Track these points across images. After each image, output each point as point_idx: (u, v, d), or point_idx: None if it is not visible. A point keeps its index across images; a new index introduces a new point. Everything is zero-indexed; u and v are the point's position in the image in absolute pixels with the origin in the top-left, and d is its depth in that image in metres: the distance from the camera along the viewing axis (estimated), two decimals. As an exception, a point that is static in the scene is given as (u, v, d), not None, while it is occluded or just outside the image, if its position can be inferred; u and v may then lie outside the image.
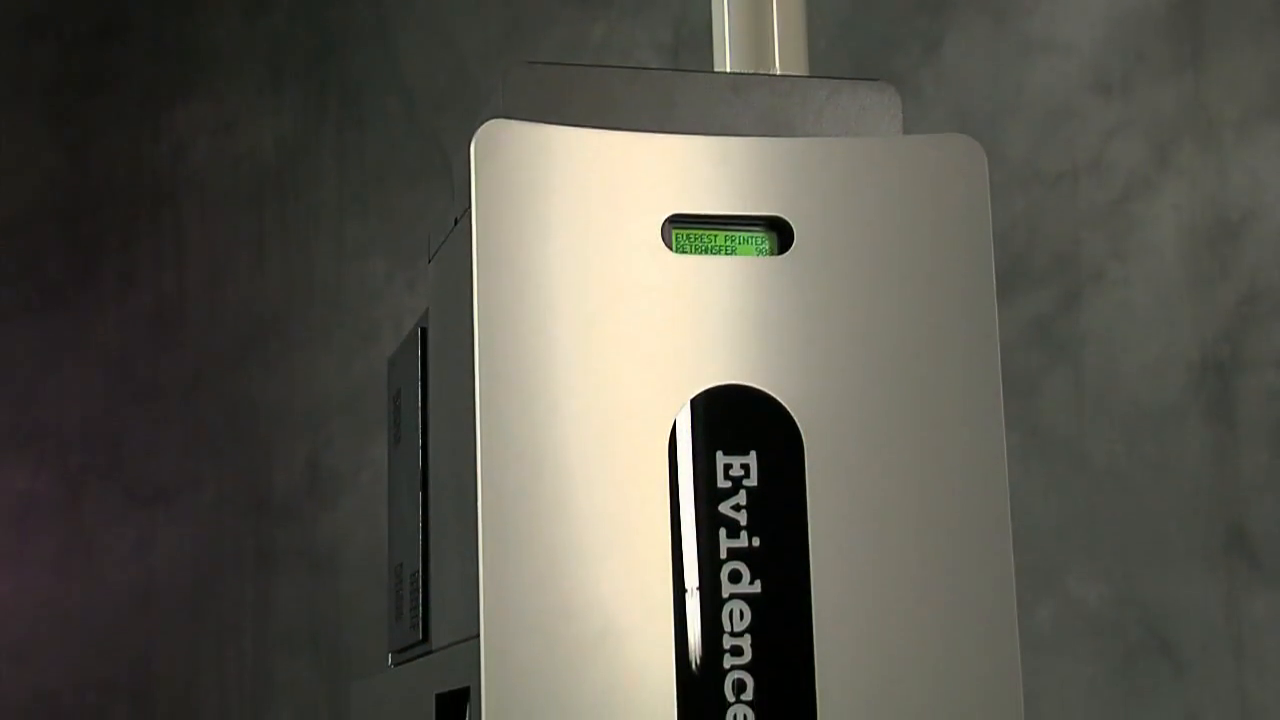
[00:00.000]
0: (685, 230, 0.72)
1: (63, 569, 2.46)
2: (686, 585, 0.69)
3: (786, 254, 0.72)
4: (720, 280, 0.72)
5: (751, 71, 0.98)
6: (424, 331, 0.83)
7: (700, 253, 0.72)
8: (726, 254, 0.72)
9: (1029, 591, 1.59)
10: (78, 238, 2.55)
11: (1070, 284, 1.64)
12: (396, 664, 0.87)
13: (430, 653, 0.79)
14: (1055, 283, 1.65)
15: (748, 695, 0.68)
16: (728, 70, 0.99)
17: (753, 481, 0.70)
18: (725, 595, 0.69)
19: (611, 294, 0.71)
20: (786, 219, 0.73)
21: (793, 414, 0.71)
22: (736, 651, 0.69)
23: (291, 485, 2.37)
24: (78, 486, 2.49)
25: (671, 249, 0.72)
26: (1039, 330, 1.65)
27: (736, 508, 0.70)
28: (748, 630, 0.69)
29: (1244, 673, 1.50)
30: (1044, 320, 1.65)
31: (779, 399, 0.71)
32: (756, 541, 0.70)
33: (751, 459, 0.70)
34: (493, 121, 0.71)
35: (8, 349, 2.52)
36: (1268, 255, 1.54)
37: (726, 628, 0.69)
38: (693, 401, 0.70)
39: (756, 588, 0.69)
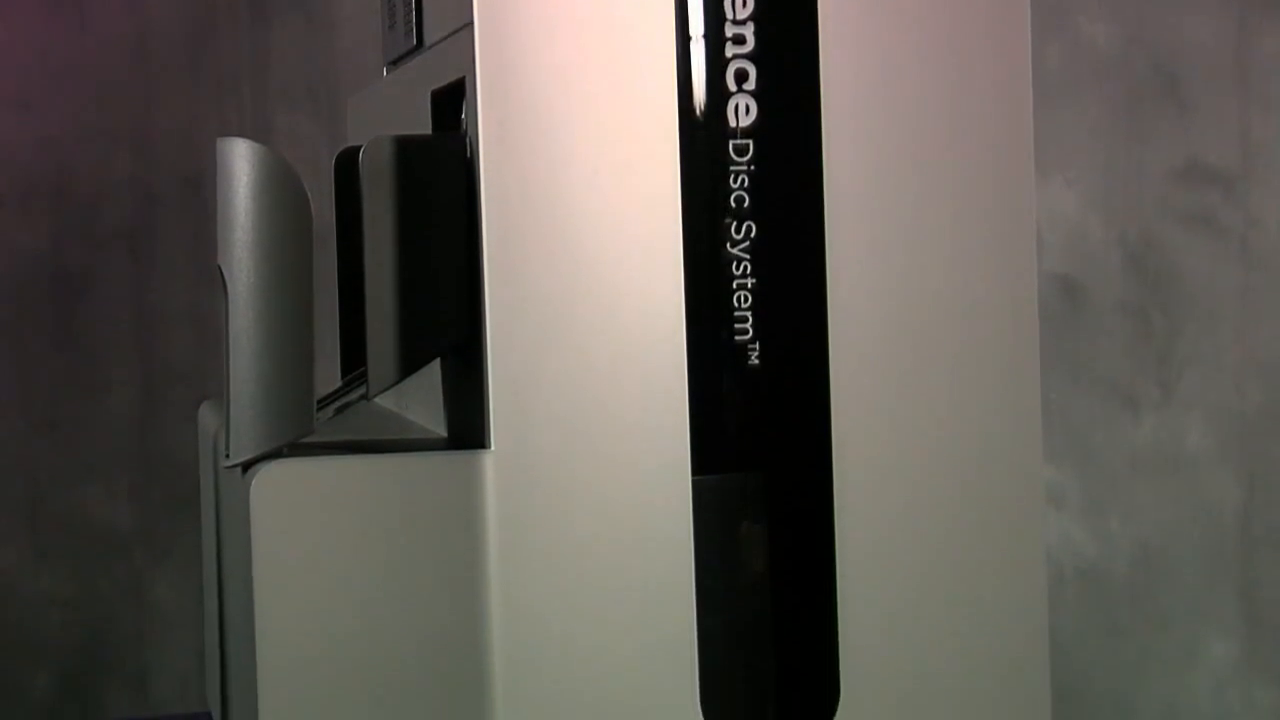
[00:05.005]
0: None
1: (56, 19, 2.42)
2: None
3: None
4: None
5: None
6: None
7: None
8: None
9: (1037, 32, 1.56)
10: None
11: None
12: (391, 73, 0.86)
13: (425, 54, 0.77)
14: None
15: (749, 85, 0.67)
16: None
17: None
18: (727, -19, 0.67)
19: None
20: None
21: None
22: (738, 40, 0.67)
23: (283, -66, 2.31)
24: (64, -64, 2.44)
25: None
26: None
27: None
28: (750, 19, 0.67)
29: (1249, 111, 1.48)
30: None
31: None
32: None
33: None
34: None
35: None
36: None
37: (729, 15, 0.67)
38: None
39: (760, -26, 0.67)
